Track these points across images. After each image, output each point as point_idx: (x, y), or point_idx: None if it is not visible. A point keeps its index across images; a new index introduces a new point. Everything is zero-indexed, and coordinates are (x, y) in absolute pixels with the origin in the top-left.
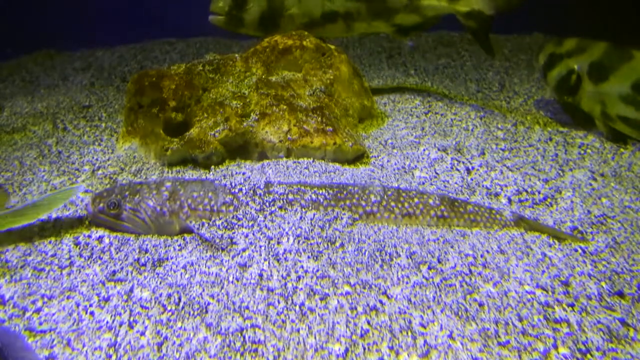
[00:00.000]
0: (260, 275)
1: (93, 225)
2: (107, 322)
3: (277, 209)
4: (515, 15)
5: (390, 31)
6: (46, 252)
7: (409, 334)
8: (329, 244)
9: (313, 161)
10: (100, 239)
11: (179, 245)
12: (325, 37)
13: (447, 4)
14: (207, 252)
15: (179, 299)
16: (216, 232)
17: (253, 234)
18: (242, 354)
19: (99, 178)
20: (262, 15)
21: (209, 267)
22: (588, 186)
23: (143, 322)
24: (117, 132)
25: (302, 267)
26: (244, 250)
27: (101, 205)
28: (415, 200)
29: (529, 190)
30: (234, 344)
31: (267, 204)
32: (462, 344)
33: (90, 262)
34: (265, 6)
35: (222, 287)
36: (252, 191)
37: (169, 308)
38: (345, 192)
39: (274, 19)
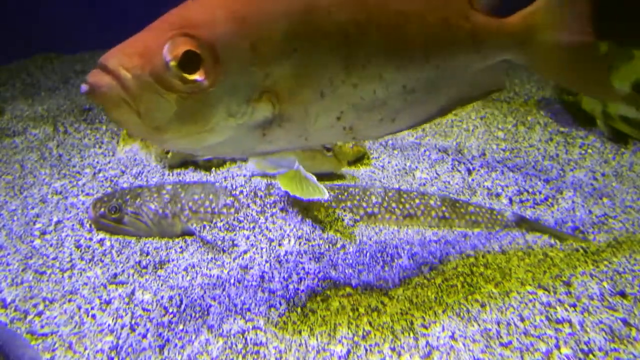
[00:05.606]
0: (262, 277)
1: (95, 228)
2: (109, 325)
3: (278, 211)
4: None
5: None
6: (47, 255)
7: (411, 334)
8: (331, 245)
9: None
10: (101, 241)
11: (180, 247)
12: None
13: None
14: (208, 254)
15: (181, 301)
16: (217, 234)
17: (254, 236)
18: (244, 356)
19: (100, 181)
20: None
21: (210, 269)
22: (589, 186)
23: (145, 325)
24: (118, 134)
25: (303, 268)
26: (245, 252)
27: (102, 210)
28: (417, 201)
29: (530, 190)
30: (236, 346)
31: (268, 205)
32: (464, 344)
33: (92, 265)
34: None
35: (223, 289)
36: (253, 193)
37: (170, 310)
38: (346, 194)
39: None
